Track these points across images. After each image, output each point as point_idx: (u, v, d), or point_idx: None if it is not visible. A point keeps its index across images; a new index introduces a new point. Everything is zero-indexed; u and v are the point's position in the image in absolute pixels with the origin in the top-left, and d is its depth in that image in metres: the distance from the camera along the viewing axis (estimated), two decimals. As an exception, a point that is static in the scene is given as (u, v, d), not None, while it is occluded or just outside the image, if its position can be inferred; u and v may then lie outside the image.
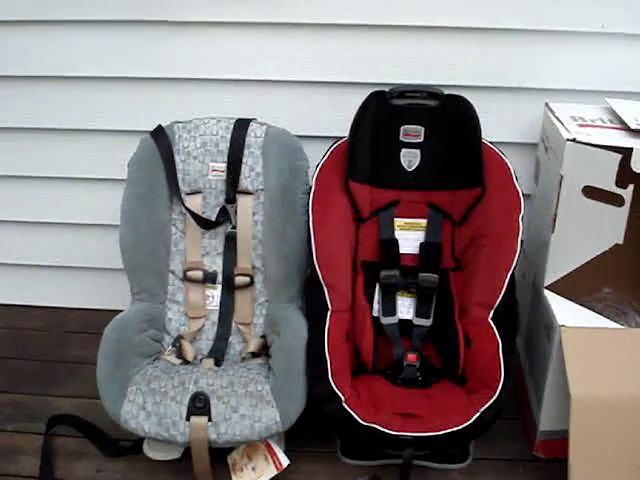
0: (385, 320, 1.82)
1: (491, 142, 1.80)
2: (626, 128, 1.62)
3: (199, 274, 1.88)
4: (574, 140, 1.57)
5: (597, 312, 1.68)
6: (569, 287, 1.70)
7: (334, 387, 1.57)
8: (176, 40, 1.96)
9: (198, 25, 1.94)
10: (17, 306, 2.40)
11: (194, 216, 1.86)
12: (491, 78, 1.93)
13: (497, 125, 1.88)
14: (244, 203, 1.86)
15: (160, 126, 1.86)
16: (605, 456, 1.48)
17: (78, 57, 2.00)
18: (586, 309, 1.69)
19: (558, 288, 1.72)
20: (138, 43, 1.97)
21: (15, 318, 2.35)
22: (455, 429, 1.52)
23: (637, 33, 1.86)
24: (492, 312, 1.67)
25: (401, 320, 1.84)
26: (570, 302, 1.70)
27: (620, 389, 1.51)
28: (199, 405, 1.56)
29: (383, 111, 1.78)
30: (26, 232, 2.30)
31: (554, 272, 1.72)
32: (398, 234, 1.85)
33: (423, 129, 1.81)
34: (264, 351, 1.78)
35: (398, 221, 1.85)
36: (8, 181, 2.22)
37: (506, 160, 1.77)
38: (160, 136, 1.84)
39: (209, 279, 1.89)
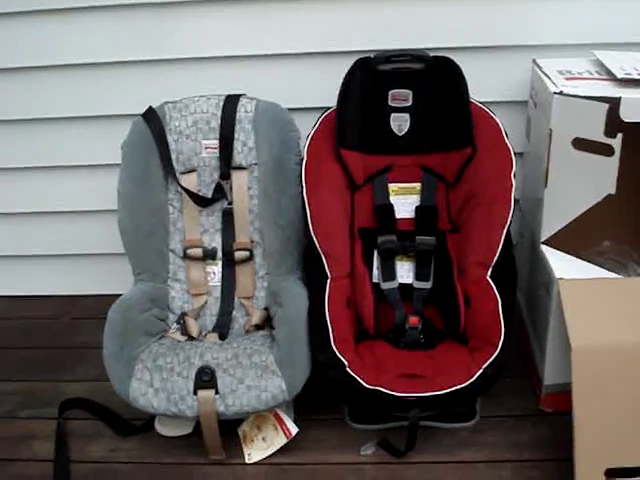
0: (385, 285, 1.84)
1: (481, 102, 1.80)
2: (613, 79, 1.62)
3: (199, 251, 1.89)
4: (561, 93, 1.57)
5: (597, 265, 1.69)
6: (567, 241, 1.71)
7: (337, 353, 1.58)
8: (162, 21, 1.97)
9: (184, 4, 1.95)
10: (26, 297, 2.43)
11: (190, 194, 1.87)
12: (477, 38, 1.92)
13: (486, 85, 1.87)
14: (239, 178, 1.87)
15: (151, 107, 1.86)
16: (608, 405, 1.49)
17: (64, 44, 2.01)
18: (587, 263, 1.70)
19: (556, 243, 1.72)
20: (124, 26, 1.98)
21: (24, 309, 2.38)
22: (459, 387, 1.53)
23: (621, -16, 1.86)
24: (490, 270, 1.68)
25: (401, 284, 1.85)
26: (570, 256, 1.71)
27: (620, 337, 1.51)
28: (205, 379, 1.58)
29: (370, 77, 1.79)
30: (27, 223, 2.32)
31: (550, 227, 1.72)
32: (393, 199, 1.85)
33: (411, 93, 1.81)
34: (267, 323, 1.80)
35: (392, 186, 1.86)
36: (5, 173, 2.24)
37: (496, 119, 1.77)
38: (151, 117, 1.85)
39: (209, 256, 1.90)
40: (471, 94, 1.76)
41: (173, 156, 1.87)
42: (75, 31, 1.99)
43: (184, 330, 1.81)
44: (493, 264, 1.67)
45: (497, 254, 1.67)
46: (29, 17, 1.98)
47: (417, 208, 1.85)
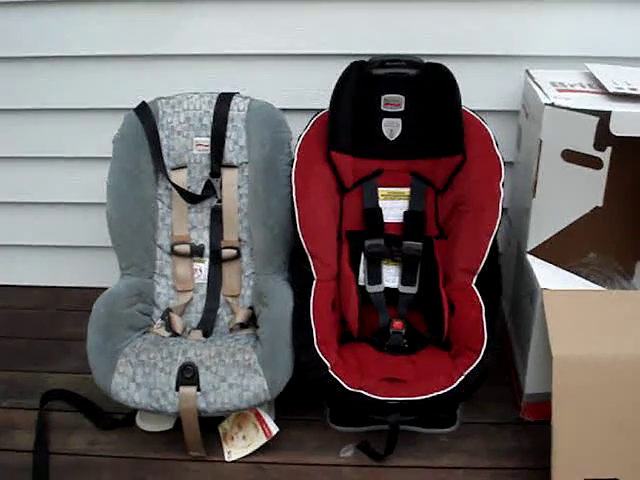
0: (371, 289, 1.85)
1: (473, 110, 1.81)
2: (605, 92, 1.63)
3: (186, 248, 1.89)
4: (552, 104, 1.58)
5: (583, 277, 1.70)
6: (553, 252, 1.72)
7: (320, 354, 1.59)
8: (157, 17, 1.97)
9: (181, 1, 1.95)
10: (11, 286, 2.43)
11: (180, 191, 1.87)
12: (471, 46, 1.93)
13: (479, 93, 1.88)
14: (229, 176, 1.87)
15: (144, 102, 1.86)
16: (588, 415, 1.50)
17: (59, 36, 2.01)
18: (572, 274, 1.71)
19: (542, 253, 1.73)
20: (120, 21, 1.98)
21: (9, 298, 2.37)
22: (440, 393, 1.54)
23: (616, -2, 1.87)
24: (475, 277, 1.68)
25: (387, 288, 1.86)
26: (555, 267, 1.72)
27: (602, 350, 1.52)
28: (188, 375, 1.59)
29: (363, 81, 1.79)
30: (17, 213, 2.32)
31: (536, 237, 1.73)
32: (382, 203, 1.86)
33: (404, 98, 1.81)
34: (252, 322, 1.80)
35: (382, 190, 1.86)
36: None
37: (487, 127, 1.77)
38: (144, 112, 1.85)
39: (196, 253, 1.90)
40: (463, 102, 1.77)
41: (164, 152, 1.87)
42: (70, 23, 1.99)
43: (168, 326, 1.81)
44: (479, 272, 1.68)
45: (483, 262, 1.68)
46: (23, 7, 1.98)
47: (405, 213, 1.86)
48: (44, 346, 2.11)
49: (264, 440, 1.67)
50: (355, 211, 1.85)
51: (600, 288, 1.67)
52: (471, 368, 1.57)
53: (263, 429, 1.67)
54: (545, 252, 1.73)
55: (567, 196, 1.64)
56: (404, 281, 1.85)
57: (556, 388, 1.49)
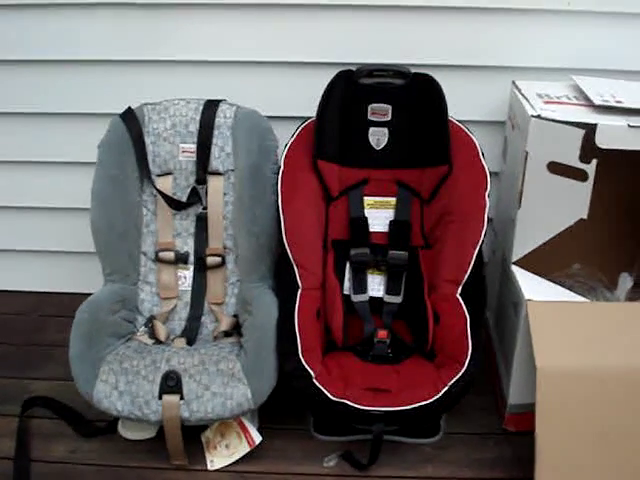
0: (356, 298, 1.85)
1: (459, 120, 1.81)
2: (591, 104, 1.63)
3: (171, 255, 1.89)
4: (539, 116, 1.59)
5: (567, 288, 1.70)
6: (538, 263, 1.72)
7: (304, 363, 1.58)
8: (145, 23, 1.96)
9: (166, 7, 1.94)
10: (-7, 291, 2.42)
11: (165, 197, 1.86)
12: (458, 57, 1.94)
13: (465, 104, 1.89)
14: (214, 184, 1.87)
15: (130, 108, 1.86)
16: (571, 426, 1.50)
17: (45, 41, 2.00)
18: (557, 285, 1.71)
19: (526, 264, 1.74)
20: (107, 26, 1.97)
21: (-9, 303, 2.36)
22: (424, 403, 1.54)
23: (603, 11, 1.87)
24: (460, 288, 1.69)
25: (372, 298, 1.86)
26: (540, 278, 1.72)
27: (585, 361, 1.53)
28: (171, 384, 1.58)
29: (350, 90, 1.79)
30: (1, 217, 2.30)
31: (521, 248, 1.74)
32: (368, 212, 1.86)
33: (390, 108, 1.82)
34: (236, 330, 1.80)
35: (368, 199, 1.87)
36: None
37: (473, 138, 1.78)
38: (130, 118, 1.85)
39: (181, 260, 1.90)
40: (450, 112, 1.77)
41: (150, 158, 1.87)
42: (58, 27, 1.98)
43: (152, 333, 1.80)
44: (464, 282, 1.68)
45: (468, 272, 1.68)
46: (9, 10, 1.97)
47: (391, 222, 1.86)
48: (26, 352, 2.10)
49: (247, 449, 1.67)
50: (341, 220, 1.86)
51: (584, 299, 1.67)
52: (455, 379, 1.57)
53: (246, 438, 1.67)
54: (530, 263, 1.73)
55: (552, 207, 1.65)
56: (389, 290, 1.85)
57: (540, 399, 1.50)
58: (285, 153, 1.78)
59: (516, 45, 1.92)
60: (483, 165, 1.74)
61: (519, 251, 1.74)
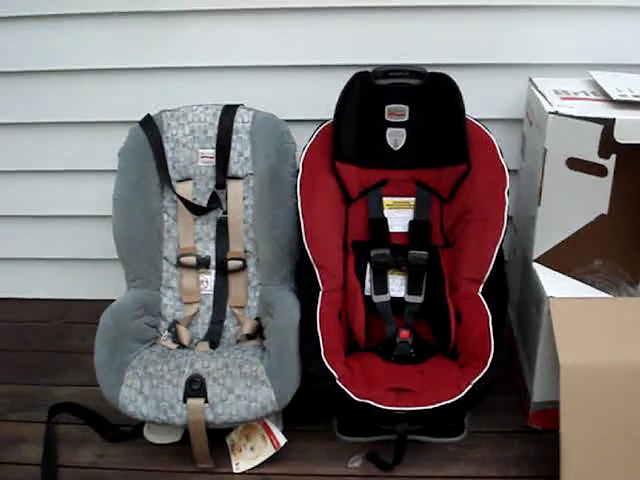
0: (377, 298, 1.85)
1: (477, 119, 1.81)
2: (609, 99, 1.63)
3: (192, 260, 1.90)
4: (556, 113, 1.58)
5: (589, 284, 1.69)
6: (559, 260, 1.72)
7: (327, 365, 1.59)
8: (161, 29, 1.97)
9: (183, 14, 1.95)
10: (19, 300, 2.43)
11: (185, 203, 1.88)
12: (474, 55, 1.94)
13: (483, 102, 1.88)
14: (234, 188, 1.88)
15: (148, 115, 1.87)
16: (596, 423, 1.49)
17: (63, 50, 2.02)
18: (578, 282, 1.70)
19: (548, 261, 1.73)
20: (123, 34, 1.99)
21: (17, 311, 2.38)
22: (447, 402, 1.54)
23: (619, 5, 1.86)
24: (482, 286, 1.68)
25: (393, 298, 1.86)
26: (562, 275, 1.72)
27: (609, 357, 1.52)
28: (195, 387, 1.59)
29: (367, 91, 1.80)
30: (23, 226, 2.32)
31: (542, 245, 1.73)
32: (387, 213, 1.86)
33: (407, 108, 1.82)
34: (258, 333, 1.81)
35: (387, 200, 1.87)
36: (4, 176, 2.24)
37: (491, 136, 1.78)
38: (149, 125, 1.86)
39: (202, 264, 1.91)
40: (467, 111, 1.77)
41: (169, 164, 1.88)
42: (74, 37, 2.00)
43: (175, 338, 1.81)
44: (485, 280, 1.68)
45: (489, 270, 1.68)
46: (25, 21, 1.99)
47: (411, 222, 1.86)
48: (51, 359, 2.12)
49: (272, 451, 1.67)
50: (360, 221, 1.86)
51: (606, 295, 1.67)
52: (478, 377, 1.56)
53: (271, 440, 1.67)
54: (551, 260, 1.73)
55: (572, 204, 1.64)
56: (410, 290, 1.85)
57: (564, 396, 1.49)
58: (303, 156, 1.79)
59: (532, 42, 1.92)
60: (502, 163, 1.73)
61: (540, 248, 1.74)
